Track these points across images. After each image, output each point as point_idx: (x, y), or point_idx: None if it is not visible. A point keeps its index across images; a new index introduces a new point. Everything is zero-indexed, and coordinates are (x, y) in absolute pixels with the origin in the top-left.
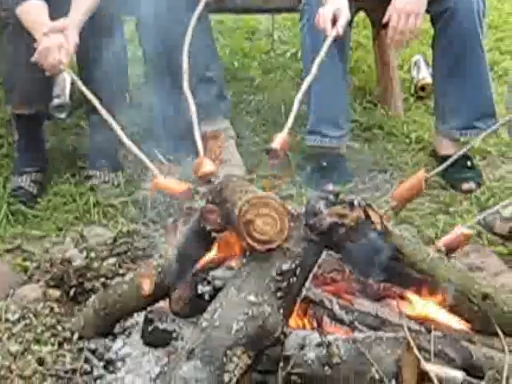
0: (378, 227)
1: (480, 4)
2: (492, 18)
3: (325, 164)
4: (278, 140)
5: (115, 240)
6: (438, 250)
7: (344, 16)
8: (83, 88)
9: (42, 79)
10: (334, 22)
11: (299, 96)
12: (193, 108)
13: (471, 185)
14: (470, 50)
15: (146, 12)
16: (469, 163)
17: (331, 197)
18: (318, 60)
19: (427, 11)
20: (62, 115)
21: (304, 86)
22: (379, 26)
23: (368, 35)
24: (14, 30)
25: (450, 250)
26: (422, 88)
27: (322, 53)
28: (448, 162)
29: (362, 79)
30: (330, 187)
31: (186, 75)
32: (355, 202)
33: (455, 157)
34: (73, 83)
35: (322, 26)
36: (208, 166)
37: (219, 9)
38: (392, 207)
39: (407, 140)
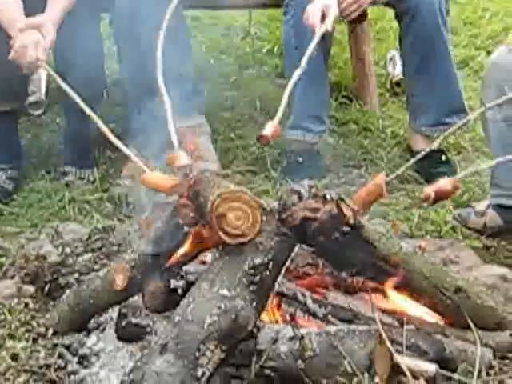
0: (351, 221)
1: (442, 1)
2: (467, 15)
3: (301, 159)
4: (270, 127)
5: (90, 236)
6: (427, 198)
7: (333, 12)
8: (62, 83)
9: (18, 76)
10: (322, 18)
11: (289, 87)
12: (167, 103)
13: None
14: (435, 47)
15: (120, 8)
16: (443, 157)
17: (304, 191)
18: (307, 54)
19: (392, 8)
20: (38, 112)
21: (294, 78)
22: (355, 21)
23: (343, 30)
24: None
25: (437, 199)
26: (398, 83)
27: (311, 48)
28: (410, 162)
29: (337, 74)
30: (305, 182)
31: (159, 70)
32: (328, 196)
33: (417, 157)
34: (48, 80)
35: (311, 22)
36: (183, 159)
37: (195, 4)
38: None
39: (382, 135)
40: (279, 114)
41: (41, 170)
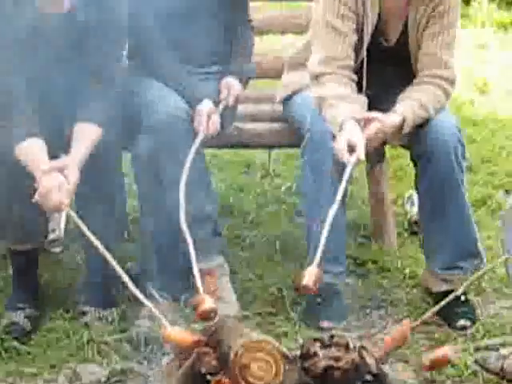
0: (374, 370)
1: (458, 146)
2: (484, 153)
3: (320, 300)
4: (310, 275)
5: (109, 378)
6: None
7: (360, 142)
8: (82, 225)
9: (40, 216)
10: (351, 151)
11: (326, 229)
12: (191, 244)
13: (466, 322)
14: (450, 191)
15: (142, 147)
16: (462, 298)
17: (326, 339)
18: (341, 188)
19: (408, 149)
20: (57, 249)
21: (330, 216)
22: (373, 162)
23: (362, 170)
24: (11, 168)
25: (431, 367)
26: (416, 222)
27: (344, 182)
28: (434, 309)
29: (356, 214)
30: (325, 324)
31: (182, 211)
32: (350, 345)
33: (436, 308)
34: (68, 217)
35: (338, 155)
36: (209, 304)
37: (215, 144)
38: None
39: (401, 276)
40: (317, 259)
41: (59, 309)
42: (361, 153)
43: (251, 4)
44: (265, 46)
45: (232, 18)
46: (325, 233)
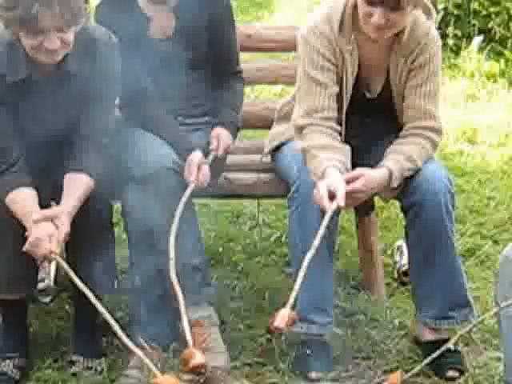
0: None
1: (448, 196)
2: (473, 203)
3: (309, 351)
4: (281, 317)
5: None
6: None
7: (341, 188)
8: (72, 275)
9: (29, 265)
10: (331, 198)
11: (301, 273)
12: (180, 296)
13: (454, 372)
14: (440, 242)
15: (132, 198)
16: (451, 348)
17: None
18: (319, 234)
19: (398, 200)
20: (47, 299)
21: (306, 260)
22: (361, 213)
23: (351, 220)
24: (1, 219)
25: None
26: (405, 273)
27: (323, 228)
28: (426, 361)
29: (344, 264)
30: (314, 375)
31: (172, 262)
32: None
33: (428, 360)
34: (58, 266)
35: (319, 203)
36: (198, 359)
37: (205, 194)
38: None
39: (390, 326)
40: (291, 301)
41: (48, 359)
42: (341, 199)
43: (241, 54)
44: (256, 96)
45: (222, 69)
46: (300, 276)
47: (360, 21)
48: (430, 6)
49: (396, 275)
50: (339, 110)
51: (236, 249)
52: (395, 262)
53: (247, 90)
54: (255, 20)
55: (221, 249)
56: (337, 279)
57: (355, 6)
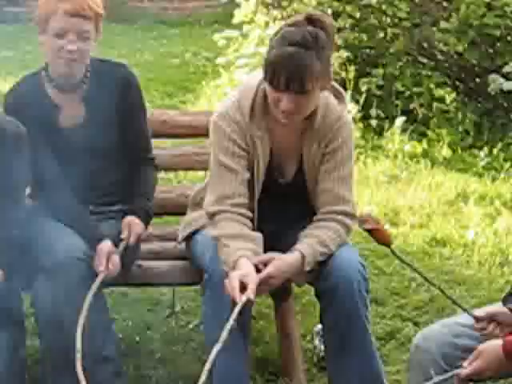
0: None
1: (361, 282)
2: (394, 285)
3: None
4: None
5: None
6: None
7: (253, 280)
8: None
9: None
10: (243, 289)
11: (208, 365)
12: None
13: None
14: (355, 327)
15: (41, 288)
16: None
17: None
18: (227, 326)
19: (312, 286)
20: None
21: (213, 353)
22: (280, 297)
23: (270, 305)
24: None
25: None
26: (324, 358)
27: (231, 320)
28: None
29: (263, 350)
30: None
31: (78, 355)
32: None
33: None
34: None
35: (231, 295)
36: None
37: (120, 282)
38: None
39: None
40: None
41: None
42: (251, 293)
43: (154, 142)
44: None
45: (133, 156)
46: (205, 370)
47: (270, 106)
48: (341, 89)
49: (316, 360)
50: (251, 196)
51: (154, 337)
52: (315, 347)
53: (162, 175)
54: (180, 104)
55: (138, 338)
56: (255, 366)
57: (266, 93)
